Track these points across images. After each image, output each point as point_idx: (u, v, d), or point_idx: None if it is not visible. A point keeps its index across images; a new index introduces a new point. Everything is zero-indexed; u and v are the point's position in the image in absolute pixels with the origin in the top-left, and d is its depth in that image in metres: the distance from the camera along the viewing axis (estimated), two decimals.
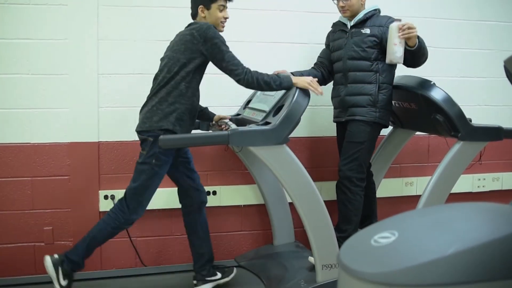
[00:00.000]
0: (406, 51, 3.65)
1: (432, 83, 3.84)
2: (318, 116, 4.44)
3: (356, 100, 3.85)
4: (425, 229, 1.63)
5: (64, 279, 3.37)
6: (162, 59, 3.54)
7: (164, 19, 4.14)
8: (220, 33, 3.46)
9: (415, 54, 3.68)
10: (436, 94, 3.76)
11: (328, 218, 3.53)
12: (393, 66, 3.89)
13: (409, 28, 3.55)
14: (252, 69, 3.43)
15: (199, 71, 3.46)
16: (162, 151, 3.37)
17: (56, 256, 3.40)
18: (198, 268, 3.75)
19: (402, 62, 3.68)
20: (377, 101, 3.80)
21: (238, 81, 3.42)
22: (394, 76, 3.93)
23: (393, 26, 3.61)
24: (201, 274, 3.74)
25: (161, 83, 3.43)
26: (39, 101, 3.98)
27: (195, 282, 3.76)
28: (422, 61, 3.77)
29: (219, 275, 3.79)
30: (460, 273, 1.44)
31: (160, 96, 3.40)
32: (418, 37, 3.62)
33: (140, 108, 3.55)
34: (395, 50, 3.62)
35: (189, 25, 3.52)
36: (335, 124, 4.14)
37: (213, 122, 3.89)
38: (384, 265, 1.51)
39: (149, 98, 3.48)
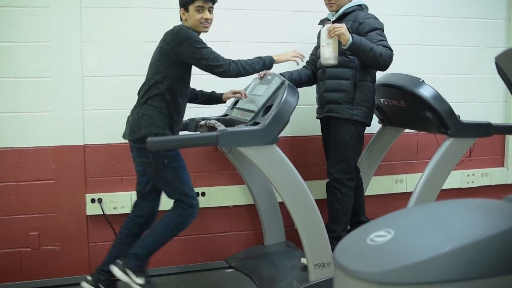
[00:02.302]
0: (344, 53, 3.67)
1: (421, 80, 3.84)
2: (304, 115, 4.40)
3: (332, 97, 3.83)
4: (421, 227, 1.62)
5: (138, 277, 3.38)
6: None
7: (149, 20, 4.09)
8: (204, 34, 3.44)
9: (356, 53, 3.64)
10: (425, 92, 3.76)
11: (319, 217, 3.51)
12: None
13: (334, 28, 3.54)
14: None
15: (182, 76, 3.43)
16: (171, 159, 3.37)
17: (119, 261, 3.41)
18: (101, 272, 3.59)
19: (334, 63, 3.65)
20: (353, 98, 3.77)
21: (223, 74, 3.37)
22: (374, 73, 3.90)
23: (323, 30, 3.64)
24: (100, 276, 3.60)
25: (145, 94, 3.41)
26: (22, 105, 3.93)
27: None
28: (374, 61, 3.63)
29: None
30: (458, 271, 1.43)
31: (145, 105, 3.37)
32: (356, 41, 3.56)
33: (125, 110, 3.53)
34: (323, 52, 3.64)
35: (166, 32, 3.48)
36: (320, 122, 4.12)
37: (224, 100, 3.89)
38: (381, 264, 1.50)
39: (135, 107, 3.45)
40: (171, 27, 3.44)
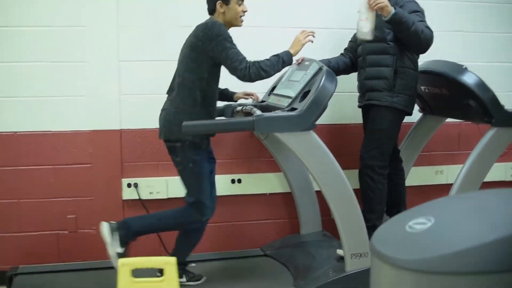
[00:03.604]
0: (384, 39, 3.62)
1: (464, 67, 3.76)
2: (344, 102, 4.33)
3: (372, 84, 3.77)
4: (463, 215, 1.58)
5: (120, 246, 3.39)
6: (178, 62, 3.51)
7: (186, 5, 4.05)
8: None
9: (398, 27, 3.55)
10: (468, 79, 3.68)
11: (357, 206, 3.46)
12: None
13: (376, 0, 3.46)
14: (252, 59, 3.33)
15: (213, 73, 3.41)
16: (194, 152, 3.37)
17: (112, 222, 3.44)
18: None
19: (371, 38, 3.56)
20: (394, 85, 3.70)
21: (243, 78, 3.31)
22: (416, 60, 3.81)
23: (362, 2, 3.54)
24: None
25: (175, 89, 3.41)
26: (59, 89, 3.94)
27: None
28: (415, 37, 3.56)
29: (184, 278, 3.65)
30: (499, 262, 1.39)
31: (176, 106, 3.39)
32: (399, 12, 3.48)
33: (162, 96, 3.54)
34: (362, 25, 3.55)
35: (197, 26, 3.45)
36: (360, 110, 4.06)
37: (235, 100, 3.84)
38: (420, 252, 1.47)
39: (166, 103, 3.47)
40: (206, 15, 3.43)
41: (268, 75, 3.37)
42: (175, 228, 3.55)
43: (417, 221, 1.59)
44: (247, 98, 3.84)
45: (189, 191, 3.47)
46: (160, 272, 3.16)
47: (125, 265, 2.87)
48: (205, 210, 3.46)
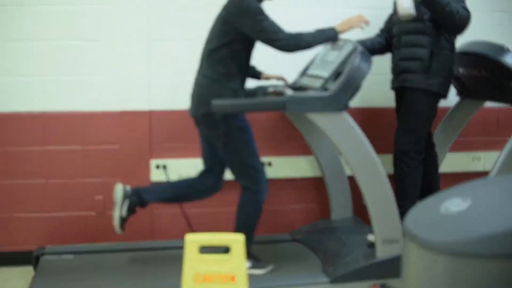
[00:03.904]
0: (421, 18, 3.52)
1: (505, 48, 3.64)
2: (377, 85, 4.20)
3: (407, 65, 3.68)
4: (501, 197, 1.52)
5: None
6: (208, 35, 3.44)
7: None
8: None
9: (432, 5, 3.45)
10: (510, 59, 3.57)
11: (390, 191, 3.38)
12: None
13: None
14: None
15: (244, 48, 3.33)
16: (239, 118, 3.32)
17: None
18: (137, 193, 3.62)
19: (414, 12, 3.45)
20: (430, 67, 3.60)
21: (282, 48, 3.24)
22: (453, 41, 3.70)
23: None
24: None
25: (205, 61, 3.35)
26: (89, 68, 3.93)
27: None
28: (450, 18, 3.47)
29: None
30: None
31: (206, 82, 3.33)
32: None
33: (192, 77, 3.49)
34: (401, 1, 3.45)
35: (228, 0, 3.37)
36: (393, 93, 3.96)
37: (263, 79, 3.77)
38: (457, 234, 1.41)
39: (196, 79, 3.41)
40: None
41: (308, 46, 3.30)
42: (254, 220, 3.51)
43: (452, 202, 1.53)
44: (277, 79, 3.75)
45: (238, 164, 3.42)
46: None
47: (192, 242, 2.82)
48: (261, 176, 3.43)
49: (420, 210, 1.65)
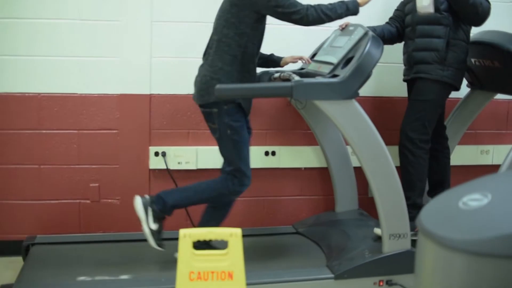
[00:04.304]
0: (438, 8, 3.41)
1: None
2: (387, 74, 4.12)
3: (422, 56, 3.58)
4: None
5: (154, 222, 3.25)
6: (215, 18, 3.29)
7: None
8: None
9: (455, 1, 3.38)
10: None
11: (398, 184, 3.25)
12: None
13: None
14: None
15: (255, 29, 3.17)
16: (233, 118, 3.17)
17: (147, 196, 3.29)
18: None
19: (433, 11, 3.37)
20: (445, 58, 3.50)
21: (301, 21, 3.10)
22: (469, 32, 3.61)
23: None
24: None
25: (212, 47, 3.19)
26: (88, 49, 3.79)
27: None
28: (473, 10, 3.40)
29: None
30: None
31: (214, 65, 3.17)
32: None
33: (195, 60, 3.36)
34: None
35: None
36: (405, 84, 3.85)
37: (282, 65, 3.60)
38: (477, 232, 1.31)
39: (203, 65, 3.26)
40: None
41: (329, 19, 3.17)
42: (212, 200, 3.36)
43: (471, 197, 1.42)
44: (296, 62, 3.59)
45: (227, 160, 3.30)
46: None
47: (186, 236, 2.67)
48: (245, 179, 3.28)
49: (436, 205, 1.55)
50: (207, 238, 2.79)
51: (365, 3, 3.26)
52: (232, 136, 3.20)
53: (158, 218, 3.24)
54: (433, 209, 1.51)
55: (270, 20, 3.22)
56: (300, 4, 3.07)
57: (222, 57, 3.15)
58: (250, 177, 3.30)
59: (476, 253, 1.28)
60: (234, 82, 3.15)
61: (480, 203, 1.38)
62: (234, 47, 3.13)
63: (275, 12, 3.08)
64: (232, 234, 2.74)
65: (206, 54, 3.28)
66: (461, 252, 1.30)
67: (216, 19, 3.25)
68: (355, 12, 3.23)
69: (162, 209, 3.24)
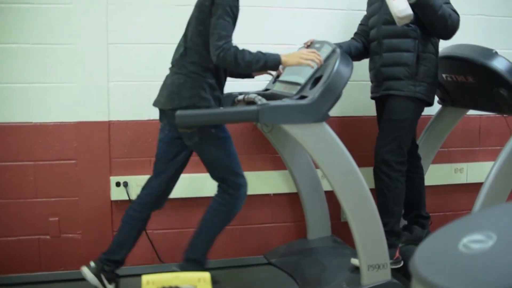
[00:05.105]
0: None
1: (493, 51, 3.43)
2: (356, 92, 3.98)
3: (391, 72, 3.45)
4: None
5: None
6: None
7: None
8: None
9: (424, 10, 3.24)
10: (499, 64, 3.36)
11: (374, 208, 3.12)
12: None
13: None
14: (244, 47, 2.94)
15: None
16: (220, 128, 3.08)
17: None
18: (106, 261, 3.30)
19: (411, 14, 3.17)
20: (417, 73, 3.39)
21: (212, 56, 2.91)
22: (437, 44, 3.51)
23: None
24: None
25: (185, 57, 3.05)
26: (41, 75, 3.63)
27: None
28: (441, 22, 3.27)
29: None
30: None
31: (183, 72, 3.03)
32: None
33: (155, 83, 3.24)
34: (396, 3, 3.15)
35: None
36: (373, 101, 3.74)
37: (253, 76, 3.47)
38: (485, 282, 1.14)
39: (173, 71, 3.12)
40: None
41: (240, 69, 3.02)
42: (226, 221, 3.25)
43: (473, 238, 1.27)
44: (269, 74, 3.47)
45: (214, 165, 3.17)
46: None
47: (150, 283, 2.47)
48: (240, 179, 3.18)
49: (432, 246, 1.38)
50: (173, 284, 2.61)
51: (289, 64, 3.07)
52: (218, 134, 3.06)
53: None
54: (429, 252, 1.36)
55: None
56: (226, 41, 2.88)
57: (194, 65, 3.01)
58: (243, 175, 3.20)
59: None
60: (210, 91, 3.00)
61: (483, 246, 1.24)
62: (204, 55, 2.98)
63: (211, 30, 2.92)
64: (200, 279, 2.54)
65: (175, 62, 3.13)
66: None
67: (187, 24, 3.12)
68: (273, 69, 3.09)
69: (201, 264, 3.22)
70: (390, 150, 3.43)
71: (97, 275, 3.17)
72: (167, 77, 3.15)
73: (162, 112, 3.17)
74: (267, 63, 2.97)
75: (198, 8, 3.02)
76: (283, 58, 3.00)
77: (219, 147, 3.10)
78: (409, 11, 3.14)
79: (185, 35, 3.11)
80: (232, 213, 3.22)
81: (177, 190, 3.45)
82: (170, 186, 3.30)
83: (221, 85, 3.11)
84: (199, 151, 3.13)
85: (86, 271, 3.18)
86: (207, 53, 2.96)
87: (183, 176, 3.44)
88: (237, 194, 3.17)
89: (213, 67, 3.00)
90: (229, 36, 2.90)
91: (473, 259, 1.21)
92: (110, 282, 3.18)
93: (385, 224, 3.32)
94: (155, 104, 3.17)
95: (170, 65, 3.18)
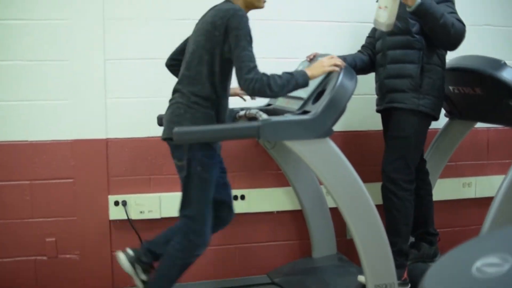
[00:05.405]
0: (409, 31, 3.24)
1: (502, 62, 3.34)
2: (361, 106, 3.94)
3: (394, 84, 3.36)
4: None
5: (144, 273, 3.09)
6: (186, 50, 3.05)
7: None
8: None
9: (424, 18, 3.15)
10: (508, 75, 3.26)
11: (381, 227, 3.02)
12: None
13: None
14: (269, 72, 2.83)
15: (228, 68, 2.92)
16: (206, 154, 2.90)
17: (130, 251, 3.09)
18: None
19: (387, 30, 3.15)
20: (421, 85, 3.29)
21: (243, 88, 2.82)
22: (444, 56, 3.42)
23: None
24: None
25: (188, 85, 2.94)
26: (37, 92, 3.59)
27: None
28: (444, 31, 3.16)
29: None
30: None
31: (184, 101, 2.92)
32: (425, 2, 3.09)
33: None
34: (379, 14, 3.11)
35: (215, 6, 2.98)
36: (379, 115, 3.66)
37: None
38: None
39: (174, 99, 3.00)
40: (204, 7, 3.01)
41: (274, 95, 2.91)
42: (183, 267, 3.06)
43: (488, 262, 1.20)
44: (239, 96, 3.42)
45: (189, 202, 3.00)
46: None
47: None
48: (205, 228, 2.99)
49: (444, 269, 1.30)
50: None
51: (316, 76, 2.98)
52: (202, 174, 2.92)
53: (147, 270, 3.08)
54: (440, 276, 1.29)
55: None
56: (255, 72, 2.78)
57: (196, 95, 2.90)
58: (209, 231, 3.00)
59: None
60: (210, 122, 2.91)
61: (499, 270, 1.16)
62: (209, 87, 2.89)
63: (234, 62, 2.82)
64: None
65: (179, 86, 3.02)
66: None
67: (189, 52, 3.01)
68: (304, 86, 2.96)
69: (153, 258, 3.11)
70: (396, 169, 3.34)
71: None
72: (170, 105, 3.05)
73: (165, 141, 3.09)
74: (298, 82, 2.89)
75: (205, 36, 2.90)
76: (309, 72, 2.92)
77: (202, 188, 2.96)
78: (382, 27, 3.13)
79: (187, 62, 3.00)
80: (189, 260, 3.05)
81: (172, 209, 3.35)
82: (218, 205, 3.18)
83: (221, 115, 3.01)
84: (184, 185, 3.00)
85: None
86: (210, 84, 2.88)
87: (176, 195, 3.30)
88: (198, 242, 3.00)
89: (215, 98, 2.92)
90: (256, 66, 2.82)
91: (487, 284, 1.15)
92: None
93: (393, 244, 3.22)
94: (163, 135, 3.06)
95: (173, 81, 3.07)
